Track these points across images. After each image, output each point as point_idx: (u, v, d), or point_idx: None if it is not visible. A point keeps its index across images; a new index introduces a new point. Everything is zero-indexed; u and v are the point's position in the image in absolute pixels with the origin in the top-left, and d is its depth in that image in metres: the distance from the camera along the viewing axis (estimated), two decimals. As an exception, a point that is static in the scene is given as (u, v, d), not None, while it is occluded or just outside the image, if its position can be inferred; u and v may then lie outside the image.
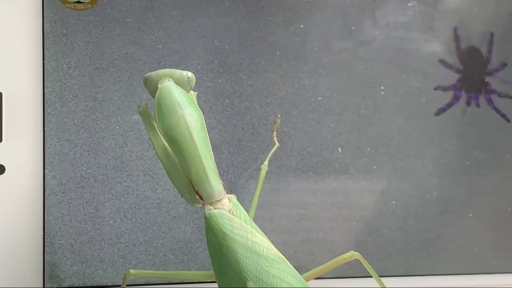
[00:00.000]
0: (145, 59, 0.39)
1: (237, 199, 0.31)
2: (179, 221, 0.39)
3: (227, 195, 0.31)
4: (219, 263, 0.30)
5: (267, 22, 0.41)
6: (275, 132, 0.40)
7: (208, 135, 0.30)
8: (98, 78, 0.39)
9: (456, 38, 0.42)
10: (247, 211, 0.31)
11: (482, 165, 0.44)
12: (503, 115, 0.43)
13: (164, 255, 0.39)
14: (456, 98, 0.42)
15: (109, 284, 0.39)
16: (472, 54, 0.43)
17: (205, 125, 0.30)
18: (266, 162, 0.36)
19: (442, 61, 0.42)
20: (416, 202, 0.43)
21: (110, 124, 0.39)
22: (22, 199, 0.38)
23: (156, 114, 0.30)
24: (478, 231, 0.44)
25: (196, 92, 0.32)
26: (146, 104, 0.32)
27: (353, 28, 0.42)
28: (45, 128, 0.38)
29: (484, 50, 0.44)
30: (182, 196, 0.31)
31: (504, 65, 0.43)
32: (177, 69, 0.31)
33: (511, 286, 0.43)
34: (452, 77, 0.43)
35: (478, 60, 0.43)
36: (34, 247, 0.38)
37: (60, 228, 0.38)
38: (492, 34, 0.43)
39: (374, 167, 0.42)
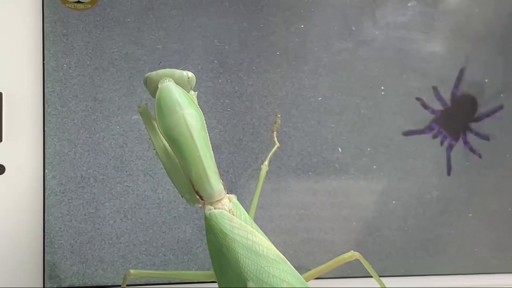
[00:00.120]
0: (145, 59, 0.39)
1: (237, 199, 0.31)
2: (179, 221, 0.39)
3: (227, 195, 0.31)
4: (219, 263, 0.30)
5: (267, 22, 0.41)
6: (275, 132, 0.40)
7: (208, 135, 0.30)
8: (98, 78, 0.39)
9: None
10: (247, 211, 0.31)
11: (482, 165, 0.44)
12: (478, 154, 0.43)
13: (164, 255, 0.39)
14: (430, 129, 0.42)
15: (109, 284, 0.39)
16: (465, 100, 0.43)
17: (205, 125, 0.30)
18: (266, 162, 0.36)
19: (420, 99, 0.42)
20: (416, 202, 0.43)
21: (110, 124, 0.39)
22: (22, 199, 0.38)
23: (156, 114, 0.30)
24: (478, 231, 0.44)
25: (196, 92, 0.32)
26: (146, 104, 0.32)
27: (353, 28, 0.42)
28: (45, 128, 0.38)
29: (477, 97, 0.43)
30: (182, 196, 0.31)
31: (494, 111, 0.43)
32: (177, 69, 0.31)
33: (511, 286, 0.43)
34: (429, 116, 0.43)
35: (468, 107, 0.43)
36: (34, 247, 0.38)
37: (60, 228, 0.38)
38: (462, 70, 0.43)
39: (374, 167, 0.42)
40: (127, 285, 0.35)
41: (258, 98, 0.41)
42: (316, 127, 0.41)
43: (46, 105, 0.38)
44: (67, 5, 0.39)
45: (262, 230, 0.31)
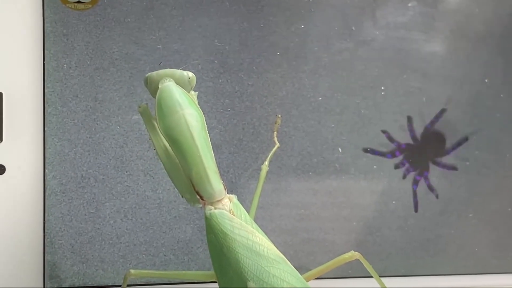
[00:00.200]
0: (146, 59, 0.39)
1: (238, 199, 0.31)
2: (179, 221, 0.39)
3: (228, 195, 0.31)
4: (219, 263, 0.30)
5: (267, 22, 0.41)
6: (275, 132, 0.40)
7: (209, 135, 0.30)
8: (98, 78, 0.39)
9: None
10: (248, 211, 0.31)
11: (482, 165, 0.44)
12: (436, 195, 0.43)
13: (165, 255, 0.39)
14: (391, 154, 0.42)
15: (110, 284, 0.39)
16: (435, 137, 0.43)
17: (206, 125, 0.30)
18: (266, 162, 0.36)
19: (385, 132, 0.42)
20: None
21: (110, 124, 0.39)
22: (22, 199, 0.38)
23: (156, 114, 0.30)
24: (478, 231, 0.44)
25: (197, 92, 0.32)
26: (147, 104, 0.32)
27: (353, 28, 0.42)
28: (46, 128, 0.38)
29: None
30: (182, 196, 0.31)
31: (459, 143, 0.43)
32: (178, 69, 0.31)
33: (511, 286, 0.43)
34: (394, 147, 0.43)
35: (437, 144, 0.43)
36: (34, 247, 0.38)
37: (60, 228, 0.38)
38: (442, 110, 0.43)
39: (375, 167, 0.42)
40: (128, 285, 0.35)
41: (259, 98, 0.41)
42: (316, 127, 0.41)
43: (46, 105, 0.38)
44: (67, 5, 0.39)
45: (263, 230, 0.31)
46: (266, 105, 0.41)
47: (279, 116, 0.41)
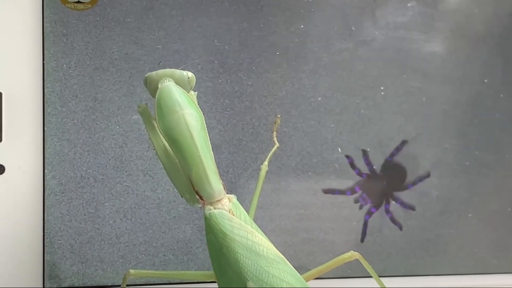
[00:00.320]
0: (145, 59, 0.39)
1: (237, 199, 0.31)
2: (179, 221, 0.39)
3: (227, 195, 0.31)
4: (219, 263, 0.30)
5: (267, 22, 0.41)
6: (275, 132, 0.40)
7: (208, 135, 0.30)
8: (98, 78, 0.39)
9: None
10: (247, 211, 0.31)
11: (482, 165, 0.44)
12: (399, 226, 0.43)
13: (164, 255, 0.39)
14: (351, 192, 0.42)
15: (109, 284, 0.39)
16: (396, 170, 0.43)
17: (205, 125, 0.30)
18: (266, 162, 0.36)
19: (349, 157, 0.41)
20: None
21: (110, 124, 0.39)
22: (22, 199, 0.38)
23: (156, 114, 0.30)
24: (478, 231, 0.44)
25: (196, 92, 0.32)
26: (146, 104, 0.32)
27: (353, 28, 0.42)
28: (45, 128, 0.38)
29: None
30: (182, 196, 0.31)
31: (421, 179, 0.43)
32: (177, 69, 0.31)
33: (511, 286, 0.43)
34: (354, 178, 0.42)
35: (397, 177, 0.43)
36: (34, 247, 0.38)
37: (60, 228, 0.38)
38: (403, 142, 0.43)
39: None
40: (127, 285, 0.35)
41: (258, 98, 0.41)
42: (316, 127, 0.41)
43: (46, 105, 0.38)
44: (67, 5, 0.39)
45: (262, 230, 0.31)
46: (266, 105, 0.41)
47: (279, 116, 0.41)
